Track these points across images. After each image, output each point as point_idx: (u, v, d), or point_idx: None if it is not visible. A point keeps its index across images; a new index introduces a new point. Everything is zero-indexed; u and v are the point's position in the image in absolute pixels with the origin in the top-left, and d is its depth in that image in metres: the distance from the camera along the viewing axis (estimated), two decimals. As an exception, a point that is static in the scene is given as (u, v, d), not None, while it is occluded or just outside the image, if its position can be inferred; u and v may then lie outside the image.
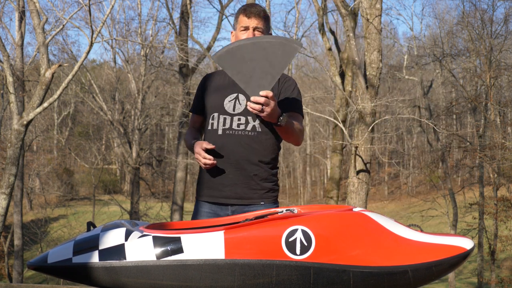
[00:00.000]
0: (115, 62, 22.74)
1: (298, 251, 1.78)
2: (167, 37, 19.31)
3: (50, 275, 1.88)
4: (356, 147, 8.26)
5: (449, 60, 20.30)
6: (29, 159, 23.95)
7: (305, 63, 30.47)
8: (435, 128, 14.68)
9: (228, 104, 2.41)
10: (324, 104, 22.63)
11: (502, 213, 16.22)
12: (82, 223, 24.77)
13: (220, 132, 2.39)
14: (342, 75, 12.94)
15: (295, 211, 2.12)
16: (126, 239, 1.81)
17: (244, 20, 2.44)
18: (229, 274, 1.76)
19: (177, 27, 15.99)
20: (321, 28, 13.04)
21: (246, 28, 2.43)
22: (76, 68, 8.32)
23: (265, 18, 2.46)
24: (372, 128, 8.40)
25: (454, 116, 26.24)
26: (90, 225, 1.95)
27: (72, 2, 22.35)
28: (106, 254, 1.78)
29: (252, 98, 2.14)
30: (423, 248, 1.84)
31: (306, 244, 1.78)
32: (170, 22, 16.86)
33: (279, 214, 2.06)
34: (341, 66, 13.24)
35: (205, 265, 1.76)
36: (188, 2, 14.90)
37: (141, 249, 1.78)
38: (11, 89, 8.57)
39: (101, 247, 1.80)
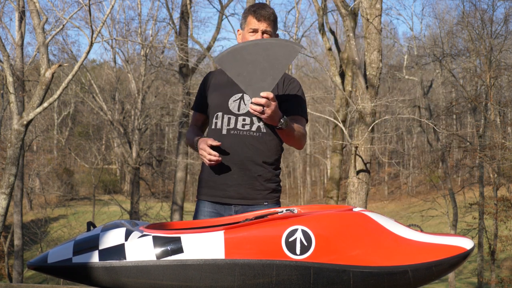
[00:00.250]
0: (115, 62, 22.76)
1: (298, 251, 1.78)
2: (167, 37, 19.32)
3: (50, 275, 1.88)
4: (356, 147, 8.26)
5: (449, 60, 20.31)
6: (29, 159, 23.96)
7: (305, 63, 30.49)
8: (435, 128, 14.68)
9: (232, 104, 2.40)
10: (324, 104, 22.63)
11: (502, 213, 16.22)
12: (82, 223, 24.77)
13: (224, 131, 2.38)
14: (342, 75, 12.94)
15: (295, 211, 2.12)
16: (126, 239, 1.81)
17: (253, 22, 2.41)
18: (229, 274, 1.76)
19: (177, 27, 15.99)
20: (321, 28, 13.04)
21: (255, 31, 2.41)
22: (76, 68, 8.32)
23: (274, 20, 2.44)
24: (372, 128, 8.40)
25: (454, 116, 26.24)
26: (90, 225, 1.95)
27: (72, 2, 22.35)
28: (106, 254, 1.78)
29: (253, 100, 2.14)
30: (423, 248, 1.84)
31: (306, 244, 1.78)
32: (170, 22, 16.86)
33: (279, 214, 2.06)
34: (341, 66, 13.24)
35: (205, 265, 1.76)
36: (188, 2, 14.90)
37: (141, 249, 1.78)
38: (11, 89, 8.57)
39: (101, 247, 1.80)
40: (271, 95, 2.14)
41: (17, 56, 12.37)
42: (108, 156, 26.09)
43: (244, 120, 2.38)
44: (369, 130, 8.21)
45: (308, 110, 11.01)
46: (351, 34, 9.06)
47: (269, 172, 2.41)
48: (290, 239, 1.79)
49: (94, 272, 1.78)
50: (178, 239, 1.79)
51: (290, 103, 2.44)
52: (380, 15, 8.36)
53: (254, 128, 2.37)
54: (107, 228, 1.87)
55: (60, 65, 8.23)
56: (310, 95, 21.14)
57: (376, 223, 1.86)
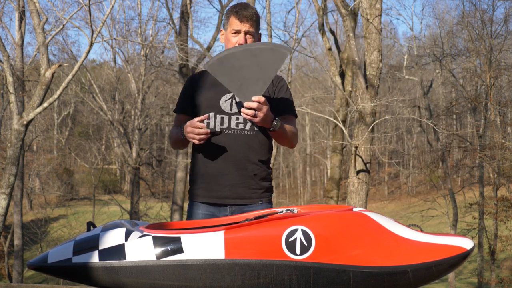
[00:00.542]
0: (115, 62, 22.76)
1: (298, 251, 1.78)
2: (167, 37, 19.32)
3: (50, 275, 1.89)
4: (356, 147, 8.27)
5: (449, 60, 20.31)
6: (29, 159, 23.95)
7: (305, 63, 30.48)
8: (435, 128, 14.68)
9: (224, 103, 2.39)
10: (324, 104, 22.62)
11: (502, 213, 16.22)
12: (82, 223, 24.76)
13: (218, 130, 2.38)
14: (342, 75, 12.94)
15: (295, 211, 2.12)
16: (126, 239, 1.81)
17: (236, 23, 2.40)
18: (229, 274, 1.76)
19: (177, 27, 15.99)
20: (321, 28, 13.04)
21: (238, 32, 2.40)
22: (76, 68, 8.32)
23: (256, 21, 2.44)
24: (372, 128, 8.40)
25: (454, 116, 26.24)
26: (90, 225, 1.95)
27: (72, 2, 22.34)
28: (106, 254, 1.78)
29: (245, 104, 2.16)
30: (423, 248, 1.84)
31: (306, 244, 1.78)
32: (170, 22, 16.86)
33: (279, 214, 2.06)
34: (341, 66, 13.24)
35: (205, 265, 1.76)
36: (188, 2, 14.90)
37: (141, 249, 1.78)
38: (11, 89, 8.57)
39: (101, 247, 1.80)
40: (262, 99, 2.15)
41: (17, 56, 12.37)
42: (108, 156, 26.09)
43: (237, 119, 2.37)
44: (369, 130, 8.21)
45: (308, 110, 11.06)
46: (351, 34, 9.06)
47: (264, 170, 2.43)
48: (290, 239, 1.79)
49: (94, 272, 1.78)
50: (178, 239, 1.79)
51: (281, 102, 2.46)
52: (380, 15, 8.36)
53: (248, 127, 2.38)
54: (107, 228, 1.87)
55: (60, 65, 8.23)
56: (310, 95, 21.15)
57: (376, 223, 1.86)
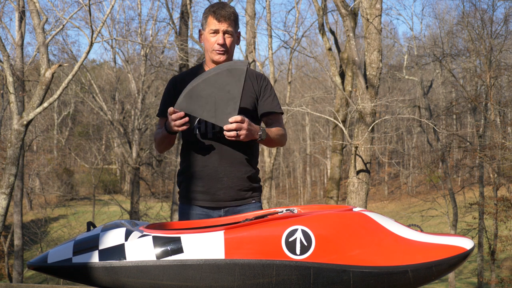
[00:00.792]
0: (115, 62, 22.75)
1: (298, 251, 1.78)
2: (167, 37, 19.31)
3: (50, 275, 1.88)
4: (356, 147, 8.27)
5: (449, 60, 20.32)
6: (29, 159, 23.96)
7: (305, 63, 30.45)
8: (435, 128, 14.69)
9: None
10: (324, 104, 22.64)
11: (502, 213, 16.20)
12: (82, 223, 24.76)
13: (210, 135, 2.38)
14: (342, 75, 12.94)
15: (295, 211, 2.12)
16: (126, 239, 1.81)
17: (214, 23, 2.39)
18: (229, 274, 1.76)
19: (177, 27, 15.99)
20: (321, 28, 13.04)
21: (216, 32, 2.39)
22: (76, 68, 8.32)
23: (235, 20, 2.43)
24: (372, 128, 8.40)
25: (454, 116, 26.25)
26: (90, 225, 1.95)
27: (72, 2, 22.36)
28: (106, 254, 1.78)
29: (224, 127, 2.18)
30: (423, 248, 1.84)
31: (306, 244, 1.78)
32: (170, 22, 16.86)
33: (279, 214, 2.06)
34: (341, 66, 13.23)
35: (205, 265, 1.76)
36: (188, 2, 14.90)
37: (141, 249, 1.78)
38: (11, 89, 8.57)
39: (101, 247, 1.80)
40: (238, 118, 2.17)
41: (17, 56, 12.37)
42: (108, 156, 26.09)
43: None
44: (369, 130, 8.21)
45: (308, 110, 11.06)
46: (351, 34, 9.06)
47: (255, 172, 2.47)
48: (290, 239, 1.79)
49: (94, 272, 1.78)
50: (178, 239, 1.79)
51: (267, 102, 2.47)
52: (380, 15, 8.36)
53: None
54: (107, 228, 1.87)
55: (60, 65, 8.23)
56: (310, 95, 21.16)
57: (376, 223, 1.86)
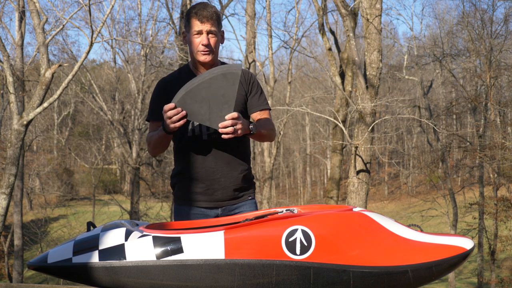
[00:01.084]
0: (115, 62, 22.74)
1: (298, 251, 1.78)
2: (167, 37, 19.30)
3: (50, 275, 1.88)
4: (356, 147, 8.27)
5: (449, 60, 20.32)
6: (29, 159, 23.95)
7: (305, 63, 30.44)
8: (435, 128, 14.69)
9: None
10: (324, 104, 22.63)
11: (502, 213, 16.20)
12: (82, 223, 24.77)
13: (205, 137, 2.38)
14: (342, 75, 12.94)
15: (295, 211, 2.12)
16: (126, 239, 1.81)
17: (197, 24, 2.38)
18: (229, 274, 1.76)
19: (177, 27, 15.98)
20: (321, 28, 13.04)
21: (200, 33, 2.38)
22: (76, 68, 8.32)
23: (217, 19, 2.42)
24: (372, 128, 8.40)
25: (454, 116, 26.24)
26: (90, 225, 1.95)
27: (72, 2, 22.35)
28: (106, 254, 1.78)
29: (220, 125, 2.18)
30: (423, 248, 1.84)
31: (306, 244, 1.78)
32: (170, 22, 16.87)
33: (279, 214, 2.06)
34: (341, 66, 13.23)
35: (205, 265, 1.76)
36: (188, 2, 14.90)
37: (141, 249, 1.78)
38: (11, 89, 8.57)
39: (101, 247, 1.80)
40: (235, 114, 2.17)
41: (17, 56, 12.37)
42: (108, 156, 26.08)
43: None
44: (369, 130, 8.21)
45: (308, 110, 11.07)
46: (351, 34, 9.05)
47: (249, 169, 2.51)
48: (290, 239, 1.79)
49: (94, 272, 1.78)
50: (178, 239, 1.79)
51: (254, 97, 2.50)
52: (380, 15, 8.36)
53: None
54: (107, 228, 1.87)
55: (60, 65, 8.23)
56: (310, 95, 21.15)
57: (376, 223, 1.86)
